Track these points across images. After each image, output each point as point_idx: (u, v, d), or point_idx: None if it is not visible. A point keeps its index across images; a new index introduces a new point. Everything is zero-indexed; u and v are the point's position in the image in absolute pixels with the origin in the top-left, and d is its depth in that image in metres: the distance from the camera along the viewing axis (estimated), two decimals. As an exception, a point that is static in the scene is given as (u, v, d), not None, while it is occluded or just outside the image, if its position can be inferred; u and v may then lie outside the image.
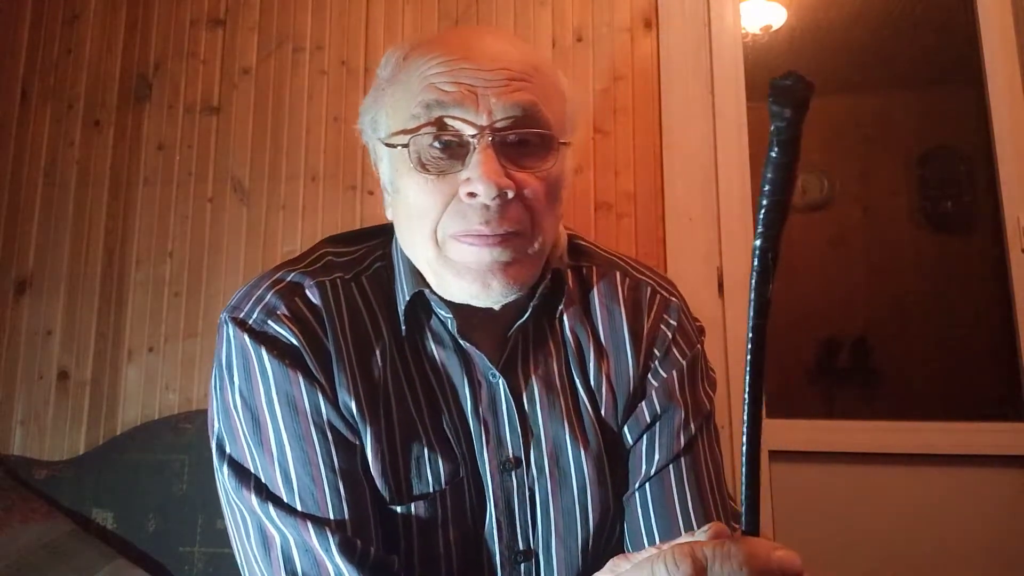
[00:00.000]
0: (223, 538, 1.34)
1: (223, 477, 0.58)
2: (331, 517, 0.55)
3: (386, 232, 0.69)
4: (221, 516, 1.35)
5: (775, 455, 1.46)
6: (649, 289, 0.71)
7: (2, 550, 1.24)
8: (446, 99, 0.56)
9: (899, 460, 1.45)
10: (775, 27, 1.86)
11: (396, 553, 0.58)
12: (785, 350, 1.71)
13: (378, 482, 0.58)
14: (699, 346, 0.72)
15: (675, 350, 0.68)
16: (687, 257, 1.51)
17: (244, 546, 0.57)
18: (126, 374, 1.63)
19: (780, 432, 1.47)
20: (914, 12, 1.82)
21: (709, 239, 1.52)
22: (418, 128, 0.56)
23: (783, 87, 0.28)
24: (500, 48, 0.59)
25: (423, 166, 0.57)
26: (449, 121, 0.56)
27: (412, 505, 0.58)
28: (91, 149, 1.74)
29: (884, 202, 1.90)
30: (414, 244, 0.61)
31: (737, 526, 0.70)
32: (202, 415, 1.52)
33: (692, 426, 0.65)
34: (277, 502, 0.55)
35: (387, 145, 0.60)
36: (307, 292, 0.61)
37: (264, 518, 0.55)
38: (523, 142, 0.58)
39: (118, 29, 1.78)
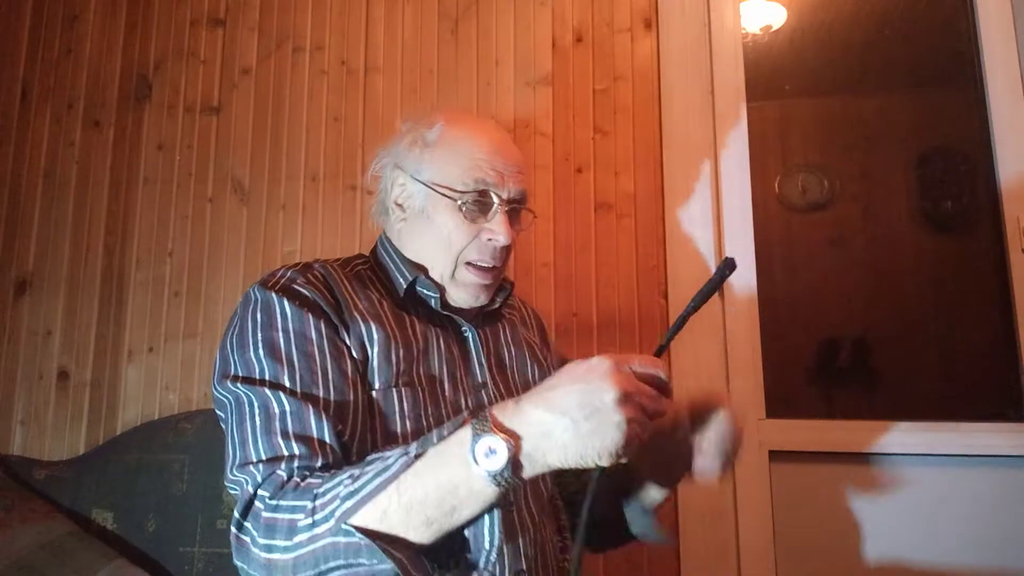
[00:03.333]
0: (223, 538, 1.34)
1: (235, 387, 0.77)
2: (322, 404, 0.75)
3: (363, 254, 0.99)
4: (221, 516, 1.36)
5: (775, 455, 1.46)
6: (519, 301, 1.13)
7: (2, 550, 1.24)
8: (490, 181, 0.88)
9: (899, 460, 1.45)
10: (775, 27, 1.86)
11: (391, 432, 0.79)
12: (785, 350, 1.71)
13: (382, 368, 0.81)
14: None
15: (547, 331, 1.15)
16: (687, 257, 1.51)
17: (244, 424, 0.74)
18: (126, 374, 1.63)
19: (780, 432, 1.47)
20: (914, 12, 1.82)
21: (709, 239, 1.52)
22: (468, 192, 0.87)
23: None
24: (514, 148, 0.93)
25: (462, 213, 0.87)
26: (486, 191, 0.88)
27: (404, 389, 0.81)
28: (91, 149, 1.74)
29: (884, 202, 1.90)
30: (434, 259, 0.90)
31: None
32: (202, 415, 1.52)
33: None
34: (284, 390, 0.75)
35: (431, 188, 0.89)
36: (315, 269, 0.87)
37: (272, 400, 0.75)
38: (516, 211, 0.92)
39: (118, 29, 1.79)
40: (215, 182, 1.69)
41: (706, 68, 1.58)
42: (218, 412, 0.81)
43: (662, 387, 0.64)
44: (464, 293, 0.90)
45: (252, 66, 1.72)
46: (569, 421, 0.59)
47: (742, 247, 1.53)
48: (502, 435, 0.60)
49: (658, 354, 0.67)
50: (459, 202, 0.87)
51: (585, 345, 1.51)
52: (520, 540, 0.81)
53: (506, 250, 0.91)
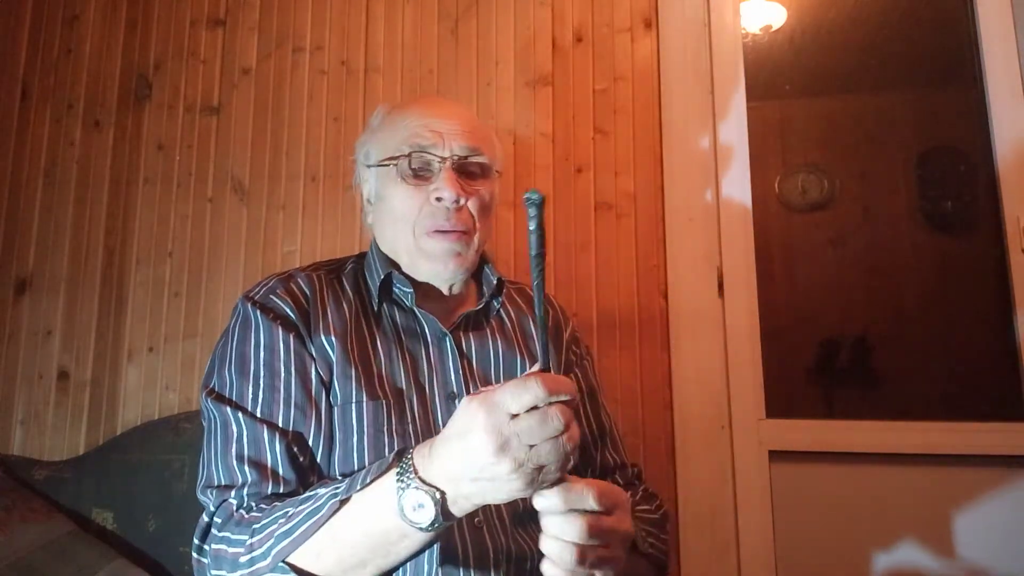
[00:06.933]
0: (223, 538, 1.33)
1: (208, 402, 0.81)
2: (280, 426, 0.78)
3: (360, 255, 0.99)
4: (221, 516, 1.36)
5: (775, 455, 1.46)
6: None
7: (2, 550, 1.24)
8: (423, 141, 0.86)
9: (899, 460, 1.45)
10: (775, 27, 1.86)
11: (351, 448, 0.79)
12: (785, 350, 1.71)
13: (341, 384, 0.81)
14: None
15: (578, 336, 1.07)
16: (687, 257, 1.51)
17: (210, 444, 0.79)
18: (126, 374, 1.63)
19: (780, 432, 1.47)
20: (914, 12, 1.82)
21: (709, 239, 1.52)
22: (403, 156, 0.86)
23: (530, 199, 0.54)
24: (456, 110, 0.91)
25: (404, 180, 0.86)
26: (424, 154, 0.86)
27: (366, 404, 0.81)
28: (91, 149, 1.74)
29: (884, 202, 1.90)
30: (396, 239, 0.89)
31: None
32: (202, 415, 1.52)
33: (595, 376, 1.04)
34: (245, 411, 0.79)
35: (378, 166, 0.90)
36: (298, 279, 0.89)
37: (232, 419, 0.78)
38: (471, 172, 0.88)
39: (118, 29, 1.79)
40: (215, 182, 1.69)
41: (706, 68, 1.58)
42: (202, 420, 0.85)
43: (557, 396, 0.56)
44: (435, 264, 0.87)
45: (252, 66, 1.72)
46: (469, 477, 0.58)
47: (742, 247, 1.53)
48: (427, 488, 0.59)
49: (543, 353, 0.60)
50: (397, 167, 0.86)
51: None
52: (491, 558, 0.78)
53: (466, 212, 0.87)
